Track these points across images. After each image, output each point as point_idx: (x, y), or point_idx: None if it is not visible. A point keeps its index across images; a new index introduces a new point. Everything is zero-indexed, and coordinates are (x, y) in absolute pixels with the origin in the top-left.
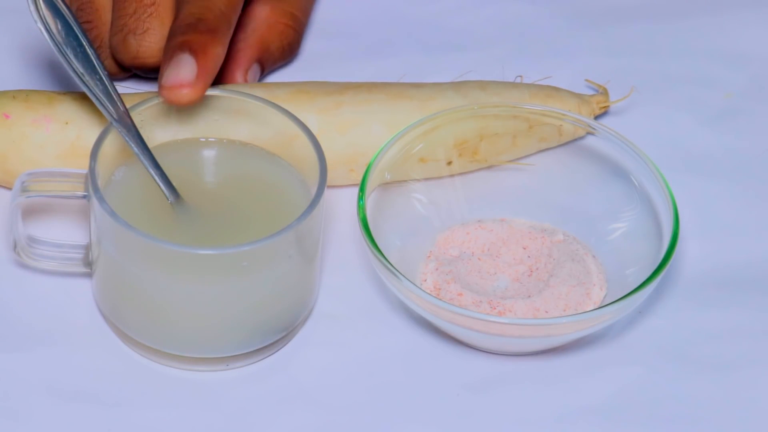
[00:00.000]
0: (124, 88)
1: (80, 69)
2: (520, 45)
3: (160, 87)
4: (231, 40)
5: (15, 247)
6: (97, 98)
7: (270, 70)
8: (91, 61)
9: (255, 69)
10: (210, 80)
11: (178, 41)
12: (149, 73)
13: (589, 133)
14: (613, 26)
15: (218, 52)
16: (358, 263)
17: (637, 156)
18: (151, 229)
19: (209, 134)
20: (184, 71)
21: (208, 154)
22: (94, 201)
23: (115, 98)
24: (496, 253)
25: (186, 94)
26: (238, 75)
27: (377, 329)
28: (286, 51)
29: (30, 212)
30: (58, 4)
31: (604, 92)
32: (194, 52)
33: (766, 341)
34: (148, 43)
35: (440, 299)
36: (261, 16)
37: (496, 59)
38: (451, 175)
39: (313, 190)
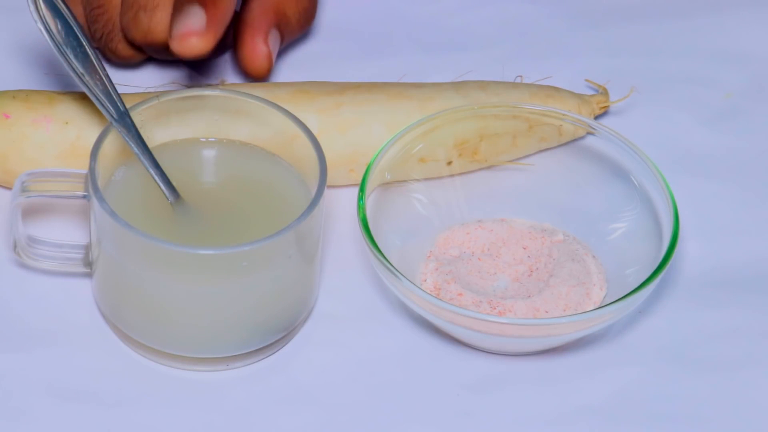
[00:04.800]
0: (124, 88)
1: (80, 69)
2: (520, 45)
3: (170, 39)
4: (246, 6)
5: (15, 247)
6: (97, 98)
7: (289, 40)
8: (91, 61)
9: (275, 34)
10: (220, 31)
11: None
12: (161, 54)
13: (589, 133)
14: (613, 26)
15: (227, 4)
16: (358, 263)
17: (637, 156)
18: (151, 229)
19: (209, 134)
20: (193, 20)
21: (208, 154)
22: (94, 201)
23: (115, 98)
24: (496, 253)
25: (196, 44)
26: (259, 41)
27: (377, 329)
28: (302, 18)
29: (30, 212)
30: (58, 4)
31: (604, 92)
32: (203, 3)
33: (765, 341)
34: (159, 18)
35: (440, 299)
36: None
37: (496, 59)
38: (451, 175)
39: (313, 190)
